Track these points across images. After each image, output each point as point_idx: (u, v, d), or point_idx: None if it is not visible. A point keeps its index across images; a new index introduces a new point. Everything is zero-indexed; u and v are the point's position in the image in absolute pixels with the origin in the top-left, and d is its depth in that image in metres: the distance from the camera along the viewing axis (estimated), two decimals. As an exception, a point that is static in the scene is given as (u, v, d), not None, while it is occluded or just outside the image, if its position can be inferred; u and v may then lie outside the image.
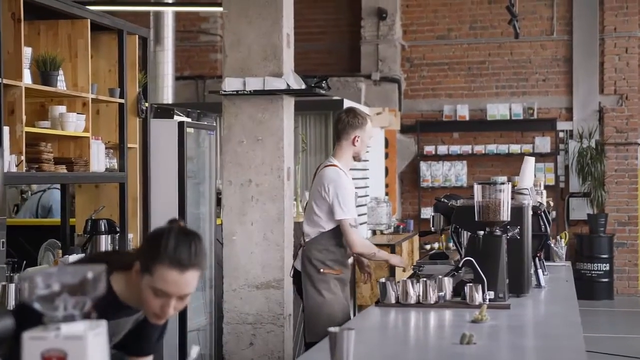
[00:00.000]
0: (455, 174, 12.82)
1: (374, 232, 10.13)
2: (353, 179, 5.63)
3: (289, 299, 5.77)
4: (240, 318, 5.68)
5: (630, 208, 12.57)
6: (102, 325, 1.71)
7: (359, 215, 8.02)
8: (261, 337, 5.67)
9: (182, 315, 6.06)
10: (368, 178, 10.21)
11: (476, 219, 4.32)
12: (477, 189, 4.33)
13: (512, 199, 4.90)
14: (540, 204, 5.49)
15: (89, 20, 4.94)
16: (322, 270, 5.01)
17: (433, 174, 12.89)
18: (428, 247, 11.94)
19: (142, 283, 2.46)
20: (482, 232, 4.29)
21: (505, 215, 4.29)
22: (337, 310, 5.01)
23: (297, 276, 5.21)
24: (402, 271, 7.14)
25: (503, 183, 4.34)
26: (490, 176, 12.00)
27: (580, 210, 12.53)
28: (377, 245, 8.89)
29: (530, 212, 4.62)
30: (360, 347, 3.02)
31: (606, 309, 11.82)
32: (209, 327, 6.70)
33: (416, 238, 11.08)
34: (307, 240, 5.07)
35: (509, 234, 4.39)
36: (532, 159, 5.50)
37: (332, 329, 2.65)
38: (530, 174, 5.37)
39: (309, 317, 5.09)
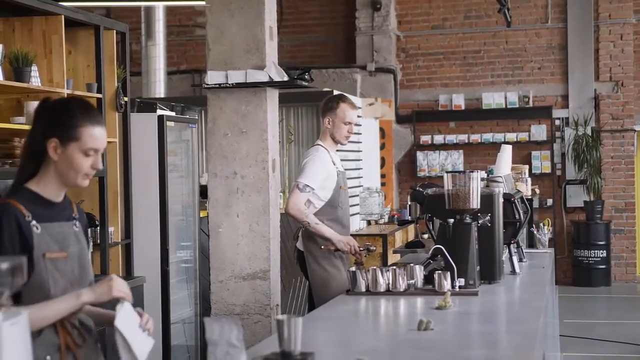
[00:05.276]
0: (451, 163, 12.84)
1: (368, 222, 10.17)
2: (346, 169, 5.75)
3: (276, 289, 5.81)
4: (228, 309, 5.72)
5: (627, 194, 12.57)
6: (21, 315, 1.74)
7: (351, 205, 8.07)
8: (248, 328, 5.71)
9: (165, 306, 6.11)
10: (362, 168, 10.24)
11: (446, 207, 4.35)
12: (446, 177, 4.36)
13: (486, 187, 4.94)
14: (518, 191, 5.51)
15: (62, 17, 4.97)
16: (322, 247, 5.19)
17: (430, 163, 12.91)
18: (426, 236, 11.94)
19: (68, 153, 2.72)
20: (452, 220, 4.32)
21: (475, 203, 4.32)
22: (342, 281, 5.13)
23: (300, 257, 5.39)
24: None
25: (472, 171, 4.36)
26: (487, 165, 12.00)
27: (576, 197, 12.54)
28: (370, 235, 8.97)
29: (502, 200, 4.64)
30: (317, 334, 3.07)
31: (603, 295, 11.84)
32: (195, 319, 6.77)
33: (411, 227, 11.10)
34: None
35: (480, 222, 4.42)
36: (509, 147, 5.53)
37: (279, 317, 2.69)
38: (507, 162, 5.40)
39: (317, 292, 5.27)
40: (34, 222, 2.69)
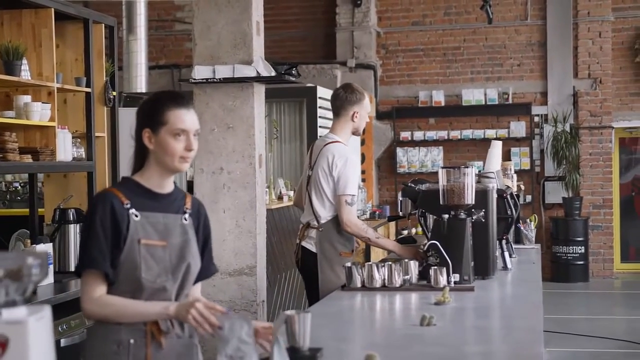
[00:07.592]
0: (431, 159, 12.87)
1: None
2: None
3: (262, 285, 5.79)
4: (214, 305, 5.69)
5: (605, 191, 12.67)
6: (46, 310, 1.72)
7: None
8: (235, 324, 5.69)
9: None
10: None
11: (441, 202, 4.35)
12: (441, 173, 4.36)
13: (478, 182, 4.95)
14: (508, 187, 5.53)
15: (52, 10, 4.90)
16: (342, 253, 4.92)
17: (409, 159, 12.94)
18: (405, 232, 11.97)
19: (160, 139, 2.81)
20: (446, 216, 4.32)
21: (470, 198, 4.32)
22: None
23: (305, 256, 5.02)
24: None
25: (467, 167, 4.36)
26: (467, 161, 12.05)
27: (555, 193, 12.63)
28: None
29: (495, 196, 4.65)
30: (319, 330, 3.05)
31: (581, 291, 11.93)
32: (182, 315, 6.71)
33: (393, 224, 11.12)
34: (322, 222, 4.91)
35: (474, 217, 4.42)
36: (499, 143, 5.54)
37: (288, 312, 2.67)
38: (497, 158, 5.42)
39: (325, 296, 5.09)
40: (132, 210, 2.81)
